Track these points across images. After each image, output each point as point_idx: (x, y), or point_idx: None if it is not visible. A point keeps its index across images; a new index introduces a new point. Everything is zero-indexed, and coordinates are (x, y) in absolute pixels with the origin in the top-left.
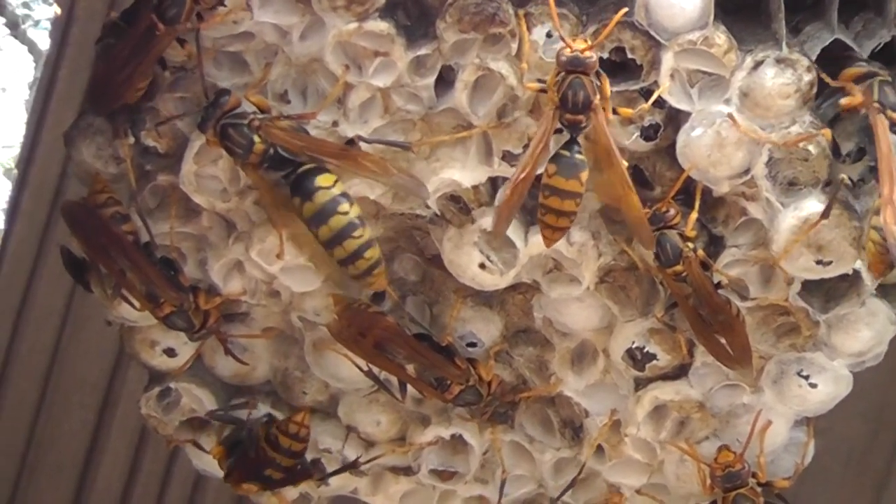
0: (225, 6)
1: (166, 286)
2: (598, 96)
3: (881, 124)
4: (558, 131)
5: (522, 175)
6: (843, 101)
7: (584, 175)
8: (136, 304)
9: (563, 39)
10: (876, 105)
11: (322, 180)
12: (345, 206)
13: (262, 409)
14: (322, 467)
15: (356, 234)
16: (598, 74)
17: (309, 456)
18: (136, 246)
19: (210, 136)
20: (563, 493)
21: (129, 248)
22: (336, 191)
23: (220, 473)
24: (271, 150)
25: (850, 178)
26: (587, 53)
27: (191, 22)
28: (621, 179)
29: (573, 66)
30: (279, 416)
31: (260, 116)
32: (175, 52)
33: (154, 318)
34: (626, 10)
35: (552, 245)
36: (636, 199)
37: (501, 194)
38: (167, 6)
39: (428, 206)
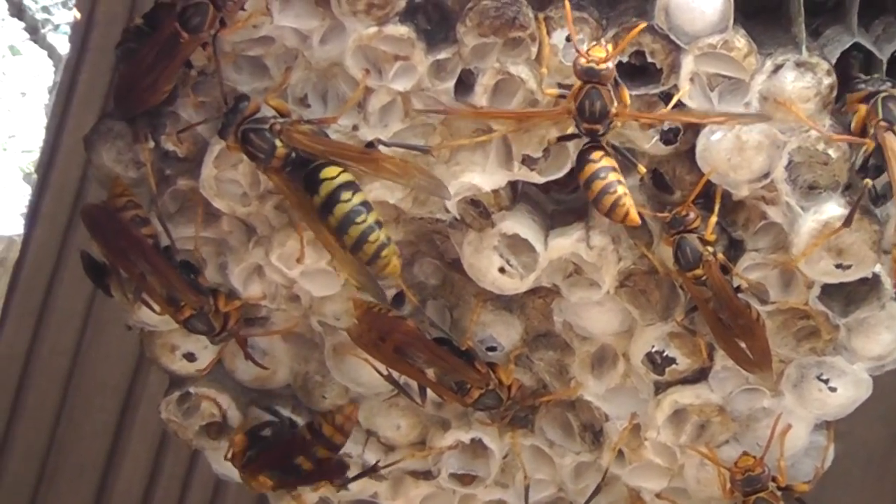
0: (245, 11)
1: (186, 289)
2: (615, 105)
3: (889, 141)
4: (575, 137)
5: (482, 111)
6: (855, 122)
7: (599, 154)
8: (156, 307)
9: (577, 49)
10: (882, 123)
11: (326, 172)
12: (347, 195)
13: (284, 411)
14: (339, 460)
15: (359, 219)
16: (616, 83)
17: None
18: (155, 249)
19: (231, 142)
20: (588, 501)
21: (148, 251)
22: (339, 180)
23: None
24: (293, 154)
25: (873, 185)
26: (603, 65)
27: (213, 28)
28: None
29: (589, 77)
30: (299, 420)
31: (281, 121)
32: (196, 55)
33: (174, 321)
34: (643, 24)
35: (634, 217)
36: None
37: (450, 105)
38: (191, 15)
39: (448, 210)
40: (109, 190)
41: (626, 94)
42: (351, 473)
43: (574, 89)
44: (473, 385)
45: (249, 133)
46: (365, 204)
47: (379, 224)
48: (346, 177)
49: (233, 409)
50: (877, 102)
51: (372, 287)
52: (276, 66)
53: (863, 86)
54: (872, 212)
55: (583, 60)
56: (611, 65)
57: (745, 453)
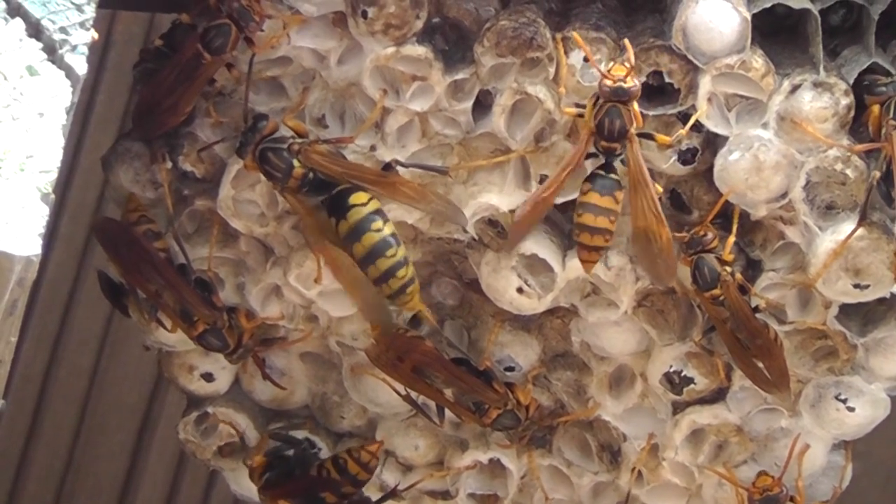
0: (263, 31)
1: (198, 302)
2: (633, 125)
3: None
4: (593, 156)
5: (545, 194)
6: (871, 125)
7: (619, 195)
8: (168, 324)
9: (598, 71)
10: (893, 122)
11: (355, 198)
12: (378, 224)
13: (300, 434)
14: (362, 495)
15: (389, 252)
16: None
17: None
18: (167, 262)
19: (248, 162)
20: None
21: (160, 263)
22: (369, 208)
23: (258, 497)
24: (310, 175)
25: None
26: (629, 83)
27: (235, 49)
28: (651, 206)
29: (615, 97)
30: (317, 440)
31: (299, 141)
32: (219, 75)
33: (188, 337)
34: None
35: (591, 269)
36: (665, 231)
37: (520, 210)
38: (213, 36)
39: (466, 231)
40: (123, 206)
41: (640, 118)
42: (368, 493)
43: (590, 106)
44: (491, 405)
45: (267, 152)
46: (394, 236)
47: (406, 259)
48: (375, 204)
49: (251, 430)
50: (890, 104)
51: (383, 317)
52: (294, 87)
53: (883, 88)
54: (891, 231)
55: (608, 82)
56: (637, 82)
57: (763, 473)
